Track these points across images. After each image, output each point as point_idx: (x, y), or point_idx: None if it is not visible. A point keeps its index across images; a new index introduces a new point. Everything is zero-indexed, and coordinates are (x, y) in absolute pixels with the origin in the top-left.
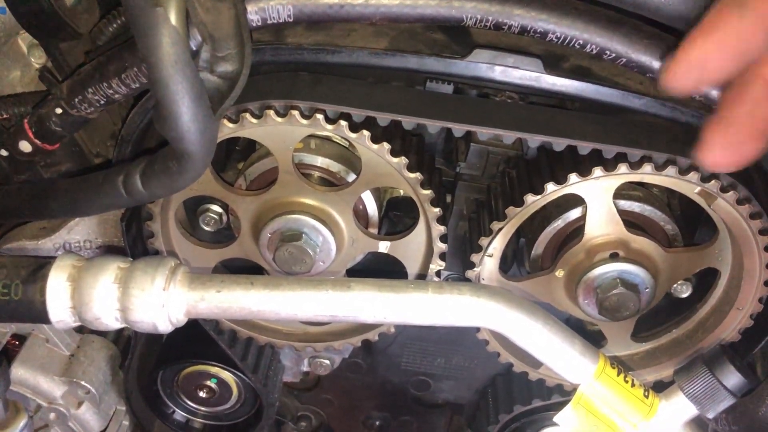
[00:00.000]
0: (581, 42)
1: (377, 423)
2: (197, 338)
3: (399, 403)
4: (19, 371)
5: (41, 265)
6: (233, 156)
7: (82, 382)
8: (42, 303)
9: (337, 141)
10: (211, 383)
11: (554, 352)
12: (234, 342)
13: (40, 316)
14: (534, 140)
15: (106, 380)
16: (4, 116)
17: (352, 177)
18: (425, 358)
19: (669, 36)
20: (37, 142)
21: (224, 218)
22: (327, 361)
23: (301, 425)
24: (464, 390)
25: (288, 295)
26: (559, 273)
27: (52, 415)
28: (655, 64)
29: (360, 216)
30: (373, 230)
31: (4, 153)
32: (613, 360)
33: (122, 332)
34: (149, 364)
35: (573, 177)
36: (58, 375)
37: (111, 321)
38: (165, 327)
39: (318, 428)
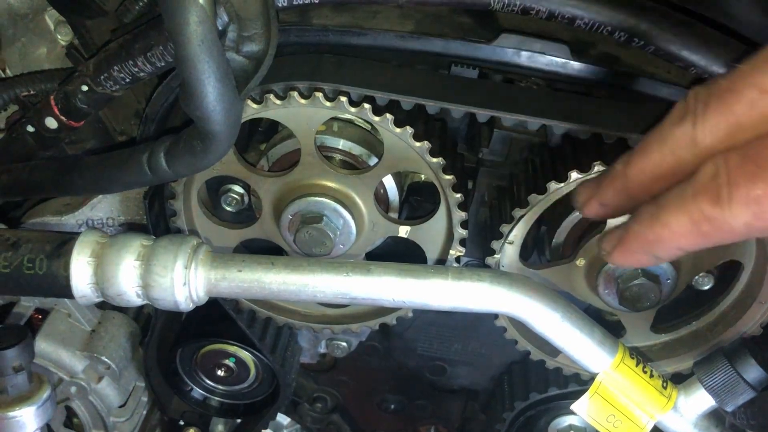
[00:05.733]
0: (609, 29)
1: (392, 406)
2: (216, 317)
3: (415, 387)
4: (41, 345)
5: (65, 241)
6: (255, 136)
7: (103, 358)
8: (66, 278)
9: (360, 124)
10: (229, 362)
11: (573, 340)
12: (253, 322)
13: (63, 290)
14: (559, 127)
15: (126, 356)
16: (31, 92)
17: (374, 161)
18: (442, 344)
19: (697, 23)
20: (63, 118)
21: (246, 199)
22: (344, 344)
23: (316, 406)
24: (480, 376)
25: (308, 277)
26: (580, 262)
27: (73, 389)
28: (684, 52)
29: (380, 200)
30: (394, 214)
31: (31, 129)
32: (633, 350)
33: (143, 309)
34: (169, 342)
35: (597, 166)
36: (79, 349)
37: (133, 297)
38: (186, 305)
39: (333, 410)
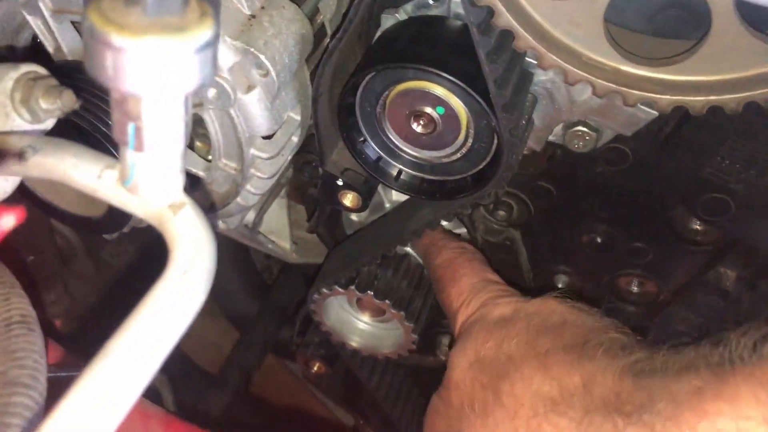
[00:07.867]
0: None
1: (598, 240)
2: (436, 40)
3: (645, 224)
4: None
5: None
6: None
7: (262, 57)
8: None
9: None
10: (435, 113)
11: None
12: (498, 53)
13: None
14: None
15: (290, 68)
16: None
17: None
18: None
19: None
20: None
21: None
22: (593, 134)
23: (497, 213)
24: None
25: None
26: None
27: (211, 92)
28: None
29: None
30: None
31: None
32: None
33: (318, 14)
34: (352, 62)
35: None
36: (230, 36)
37: None
38: None
39: (514, 223)
